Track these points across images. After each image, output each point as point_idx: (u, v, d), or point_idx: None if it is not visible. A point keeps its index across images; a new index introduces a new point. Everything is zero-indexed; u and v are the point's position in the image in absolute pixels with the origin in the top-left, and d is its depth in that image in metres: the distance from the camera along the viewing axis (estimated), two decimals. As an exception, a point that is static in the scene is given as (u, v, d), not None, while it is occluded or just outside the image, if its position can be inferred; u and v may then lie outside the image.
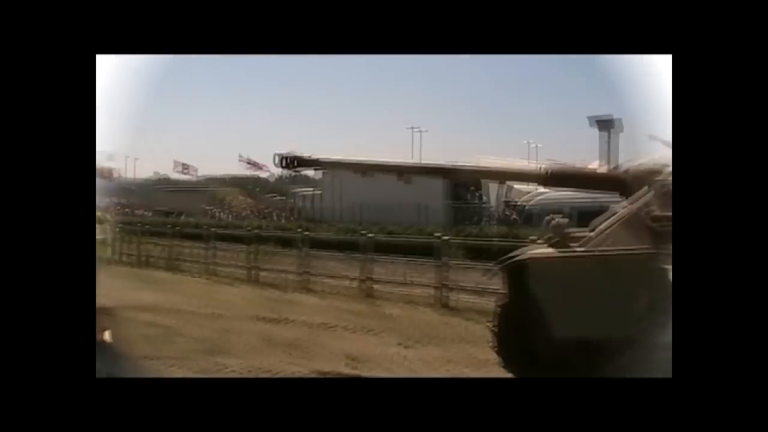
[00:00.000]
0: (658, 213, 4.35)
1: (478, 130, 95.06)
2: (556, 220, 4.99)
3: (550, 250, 4.91)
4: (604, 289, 4.35)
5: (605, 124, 56.52)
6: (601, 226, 4.78)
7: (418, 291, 11.96)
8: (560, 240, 4.88)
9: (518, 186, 33.06)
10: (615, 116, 55.92)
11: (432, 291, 11.61)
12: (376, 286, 12.58)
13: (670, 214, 4.18)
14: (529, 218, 23.77)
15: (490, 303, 10.64)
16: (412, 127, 54.27)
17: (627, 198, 5.20)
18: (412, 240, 16.00)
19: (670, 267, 4.08)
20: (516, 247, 5.19)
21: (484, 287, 11.21)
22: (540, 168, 6.03)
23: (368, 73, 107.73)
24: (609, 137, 56.23)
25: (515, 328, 4.79)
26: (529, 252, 5.09)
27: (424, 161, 6.67)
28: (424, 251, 14.12)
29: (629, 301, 4.28)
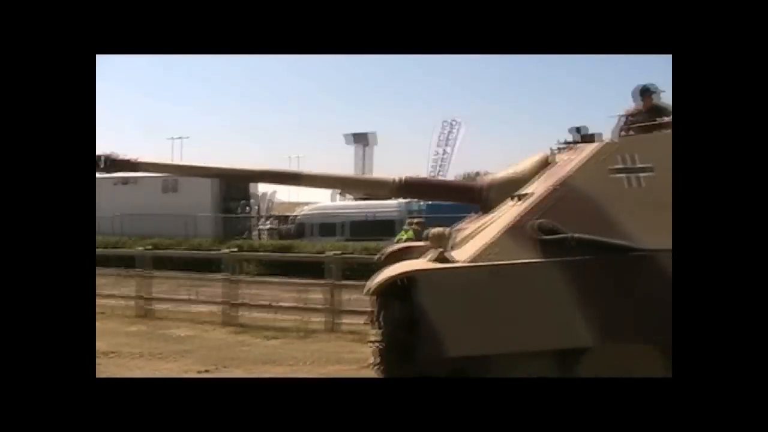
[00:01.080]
0: (544, 223, 4.22)
1: (237, 140, 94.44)
2: (436, 229, 4.56)
3: (434, 263, 4.36)
4: (498, 302, 4.11)
5: (360, 138, 59.36)
6: (484, 238, 4.44)
7: (203, 309, 11.28)
8: (441, 251, 4.44)
9: (280, 197, 33.10)
10: (370, 131, 59.04)
11: (219, 308, 10.96)
12: (155, 305, 11.64)
13: (557, 225, 4.22)
14: (300, 230, 23.82)
15: (282, 318, 10.46)
16: (172, 138, 52.31)
17: (484, 210, 5.24)
18: (198, 254, 15.14)
19: (562, 276, 4.12)
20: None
21: (274, 302, 10.96)
22: (395, 178, 5.99)
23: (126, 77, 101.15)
24: (364, 151, 59.22)
25: (405, 351, 4.26)
26: (410, 266, 4.50)
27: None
28: (204, 265, 13.41)
29: (524, 314, 4.11)
